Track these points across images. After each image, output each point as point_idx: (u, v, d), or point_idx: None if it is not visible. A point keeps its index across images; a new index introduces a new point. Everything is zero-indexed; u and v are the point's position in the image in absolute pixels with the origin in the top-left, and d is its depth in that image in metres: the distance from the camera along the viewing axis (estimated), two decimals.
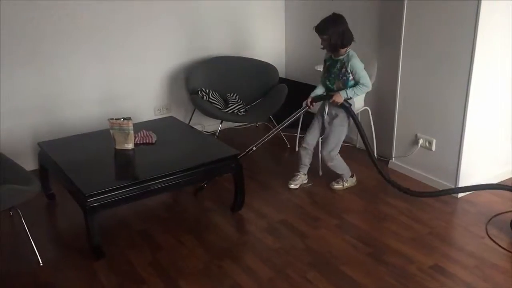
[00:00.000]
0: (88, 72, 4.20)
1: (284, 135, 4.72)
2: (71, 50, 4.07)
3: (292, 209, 3.50)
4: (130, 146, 3.32)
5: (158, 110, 4.68)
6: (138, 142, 3.41)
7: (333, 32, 3.26)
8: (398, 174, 3.96)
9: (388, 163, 4.14)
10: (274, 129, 3.76)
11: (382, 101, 4.22)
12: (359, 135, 4.47)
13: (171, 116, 4.25)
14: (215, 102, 4.42)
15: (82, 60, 4.15)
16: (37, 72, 3.97)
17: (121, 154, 3.31)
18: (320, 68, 4.33)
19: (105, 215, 3.07)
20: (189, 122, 4.62)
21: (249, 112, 4.53)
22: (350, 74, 3.36)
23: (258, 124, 5.22)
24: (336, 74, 3.42)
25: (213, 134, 4.60)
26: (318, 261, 2.89)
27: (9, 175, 2.87)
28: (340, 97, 3.37)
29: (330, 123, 3.54)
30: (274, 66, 4.86)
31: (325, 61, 3.56)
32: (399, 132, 4.02)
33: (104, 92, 4.31)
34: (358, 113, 3.89)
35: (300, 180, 3.80)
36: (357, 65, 3.34)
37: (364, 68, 3.40)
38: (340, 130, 3.53)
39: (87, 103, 4.25)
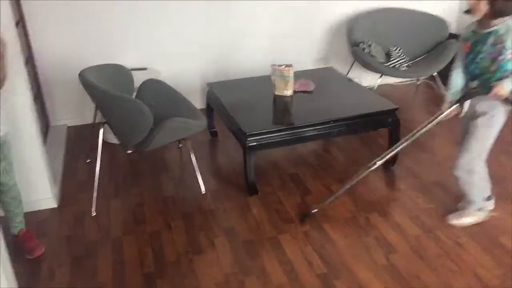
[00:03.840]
0: (257, 22, 4.38)
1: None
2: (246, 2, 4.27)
3: (448, 172, 3.30)
4: (289, 92, 3.43)
5: (319, 60, 4.71)
6: (297, 90, 3.50)
7: None
8: None
9: None
10: (409, 136, 2.80)
11: None
12: None
13: (330, 67, 4.25)
14: (376, 55, 4.29)
15: (253, 11, 4.32)
16: (211, 22, 4.26)
17: (280, 100, 3.45)
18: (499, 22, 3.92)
19: (261, 155, 3.27)
20: (347, 74, 4.58)
21: (411, 68, 4.32)
22: (509, 52, 2.36)
23: (419, 82, 4.96)
24: (488, 53, 2.42)
25: (370, 88, 4.51)
26: (473, 227, 2.73)
27: (182, 110, 3.18)
28: (504, 88, 2.36)
29: (472, 122, 2.60)
30: (444, 20, 4.51)
31: (465, 40, 2.58)
32: None
33: (269, 40, 4.46)
34: None
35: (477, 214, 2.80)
36: None
37: None
38: (487, 132, 2.56)
39: (253, 50, 4.45)
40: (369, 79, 4.66)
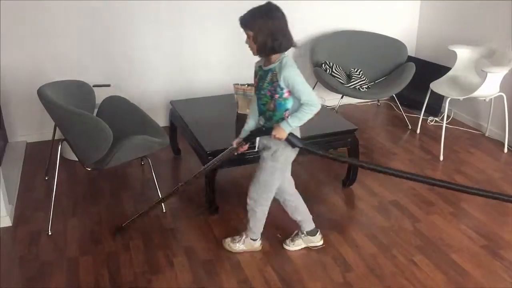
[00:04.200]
0: (218, 39, 4.42)
1: (406, 115, 4.58)
2: (206, 17, 4.31)
3: (405, 192, 3.41)
4: None
5: None
6: None
7: (262, 27, 2.23)
8: None
9: None
10: (202, 168, 2.78)
11: None
12: (489, 122, 4.18)
13: None
14: (338, 76, 4.40)
15: (214, 27, 4.37)
16: (174, 36, 4.28)
17: (242, 118, 3.44)
18: (455, 48, 4.10)
19: (222, 174, 3.28)
20: None
21: (371, 89, 4.44)
22: (284, 91, 2.31)
23: (380, 103, 5.10)
24: (267, 90, 2.35)
25: (332, 108, 4.60)
26: (427, 246, 2.81)
27: (144, 128, 3.17)
28: (282, 131, 2.31)
29: (261, 154, 2.56)
30: (403, 43, 4.68)
31: (255, 73, 2.47)
32: None
33: (233, 59, 4.51)
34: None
35: (303, 241, 2.81)
36: (294, 77, 2.28)
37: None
38: (271, 167, 2.50)
39: (217, 68, 4.49)
40: (332, 99, 4.76)
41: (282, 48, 2.30)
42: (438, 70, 4.35)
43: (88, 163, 2.90)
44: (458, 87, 3.98)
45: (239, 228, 2.92)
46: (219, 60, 4.49)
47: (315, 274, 2.59)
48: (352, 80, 4.42)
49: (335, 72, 4.40)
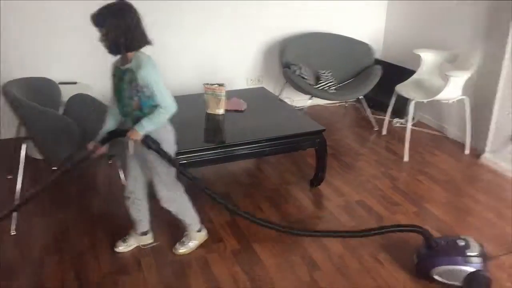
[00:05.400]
0: (191, 39, 4.41)
1: (373, 117, 4.67)
2: (179, 19, 4.29)
3: (371, 192, 3.48)
4: (221, 111, 3.47)
5: (251, 80, 4.81)
6: (229, 109, 3.55)
7: (113, 25, 2.20)
8: (490, 169, 3.78)
9: (479, 158, 3.95)
10: (50, 178, 2.61)
11: (481, 90, 3.99)
12: (452, 124, 4.31)
13: (262, 87, 4.35)
14: (306, 77, 4.45)
15: (186, 28, 4.35)
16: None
17: (211, 118, 3.48)
18: (420, 52, 4.20)
19: (192, 173, 3.26)
20: (279, 95, 4.70)
21: (339, 91, 4.51)
22: (145, 90, 2.29)
23: (347, 104, 5.19)
24: (128, 91, 2.32)
25: (300, 109, 4.65)
26: (392, 244, 2.87)
27: None
28: (136, 133, 2.33)
29: (144, 161, 2.53)
30: (370, 46, 4.77)
31: (112, 74, 2.42)
32: (497, 125, 3.82)
33: (202, 59, 4.51)
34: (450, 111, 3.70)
35: (135, 240, 2.80)
36: (150, 77, 2.27)
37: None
38: (160, 165, 2.50)
39: (186, 68, 4.47)
40: (300, 100, 4.81)
41: (135, 46, 2.29)
42: (404, 73, 4.45)
43: (53, 162, 2.84)
44: (423, 90, 4.08)
45: (208, 228, 2.92)
46: (190, 60, 4.48)
47: (283, 274, 2.62)
48: (321, 81, 4.48)
49: (304, 73, 4.45)
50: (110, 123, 2.50)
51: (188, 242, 2.77)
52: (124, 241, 2.78)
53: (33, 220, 2.99)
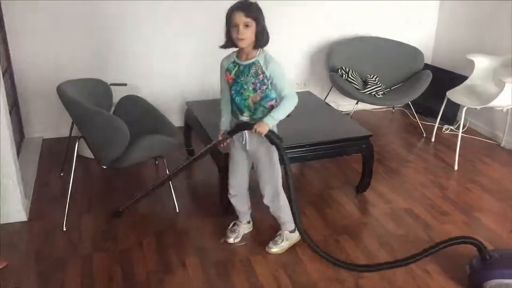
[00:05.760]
0: None
1: (421, 123, 4.56)
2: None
3: (419, 200, 3.39)
4: None
5: (297, 84, 4.79)
6: None
7: (261, 19, 2.37)
8: None
9: None
10: (164, 178, 3.06)
11: None
12: (505, 132, 4.15)
13: (308, 91, 4.33)
14: (354, 82, 4.39)
15: None
16: (192, 40, 4.31)
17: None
18: (473, 57, 4.07)
19: None
20: (325, 99, 4.66)
21: (387, 96, 4.43)
22: (270, 83, 2.45)
23: (395, 109, 5.08)
24: (250, 84, 2.44)
25: (346, 114, 4.59)
26: (440, 255, 2.77)
27: (159, 127, 3.20)
28: (265, 126, 2.39)
29: (255, 155, 2.62)
30: (420, 51, 4.66)
31: (227, 70, 2.52)
32: None
33: None
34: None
35: (242, 230, 2.92)
36: (279, 70, 2.44)
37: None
38: (271, 160, 2.60)
39: None
40: (346, 104, 4.76)
41: (268, 42, 2.45)
42: (455, 78, 4.33)
43: (104, 162, 2.93)
44: (475, 96, 3.95)
45: (254, 229, 2.93)
46: None
47: (327, 279, 2.58)
48: (368, 86, 4.41)
49: (351, 77, 4.40)
50: (226, 116, 2.63)
51: (281, 242, 2.80)
52: (233, 232, 2.88)
53: (82, 217, 3.09)
